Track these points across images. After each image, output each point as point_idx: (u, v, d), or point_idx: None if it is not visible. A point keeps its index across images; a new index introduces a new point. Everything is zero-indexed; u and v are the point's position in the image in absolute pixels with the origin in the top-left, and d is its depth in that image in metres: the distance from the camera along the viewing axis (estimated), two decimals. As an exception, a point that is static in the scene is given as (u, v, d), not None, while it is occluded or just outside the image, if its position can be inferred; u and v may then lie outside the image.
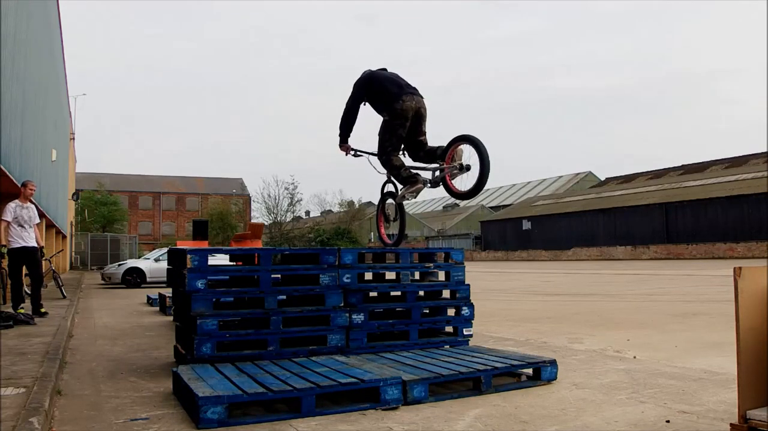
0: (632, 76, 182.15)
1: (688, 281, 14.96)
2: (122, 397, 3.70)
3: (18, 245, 7.77)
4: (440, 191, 4.99)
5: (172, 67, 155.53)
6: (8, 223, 7.71)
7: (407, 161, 5.03)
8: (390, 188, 5.21)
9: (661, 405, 3.32)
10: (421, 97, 4.92)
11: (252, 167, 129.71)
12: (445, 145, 4.73)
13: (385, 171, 5.07)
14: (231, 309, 4.45)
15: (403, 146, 4.99)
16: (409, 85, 4.97)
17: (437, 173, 4.81)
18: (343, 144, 5.01)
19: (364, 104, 5.02)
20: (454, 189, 4.71)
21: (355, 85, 5.04)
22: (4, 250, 7.67)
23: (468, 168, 4.48)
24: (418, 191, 4.89)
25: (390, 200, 5.31)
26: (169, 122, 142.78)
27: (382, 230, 5.42)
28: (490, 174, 4.28)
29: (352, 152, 5.04)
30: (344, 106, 5.00)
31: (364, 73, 5.12)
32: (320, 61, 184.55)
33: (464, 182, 4.52)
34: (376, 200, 5.63)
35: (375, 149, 5.03)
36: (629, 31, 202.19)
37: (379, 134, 4.96)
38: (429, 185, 4.87)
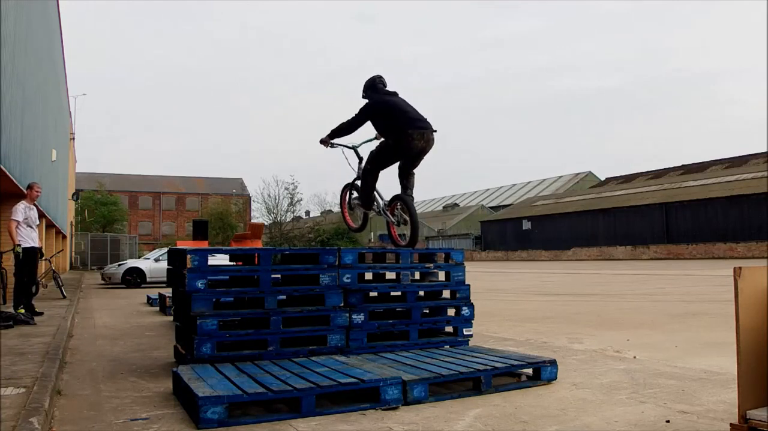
0: (632, 76, 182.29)
1: (688, 281, 14.95)
2: (122, 397, 3.70)
3: (28, 245, 7.80)
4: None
5: (173, 66, 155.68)
6: (18, 222, 7.73)
7: None
8: (358, 183, 5.66)
9: (661, 405, 3.32)
10: (432, 133, 5.04)
11: (252, 167, 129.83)
12: (396, 194, 5.31)
13: (356, 169, 5.58)
14: (231, 309, 4.45)
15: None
16: (422, 118, 5.06)
17: (384, 214, 5.41)
18: (327, 140, 5.36)
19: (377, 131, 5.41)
20: (395, 237, 5.45)
21: (366, 108, 5.20)
22: (19, 249, 7.66)
23: (406, 222, 5.24)
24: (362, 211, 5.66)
25: (354, 194, 5.80)
26: (169, 122, 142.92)
27: (346, 214, 6.02)
28: (419, 230, 5.17)
29: (331, 145, 5.44)
30: (348, 118, 5.22)
31: (374, 89, 5.21)
32: (320, 61, 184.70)
33: (403, 232, 5.41)
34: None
35: (352, 142, 5.54)
36: (629, 31, 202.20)
37: (379, 146, 5.25)
38: (375, 212, 5.51)
